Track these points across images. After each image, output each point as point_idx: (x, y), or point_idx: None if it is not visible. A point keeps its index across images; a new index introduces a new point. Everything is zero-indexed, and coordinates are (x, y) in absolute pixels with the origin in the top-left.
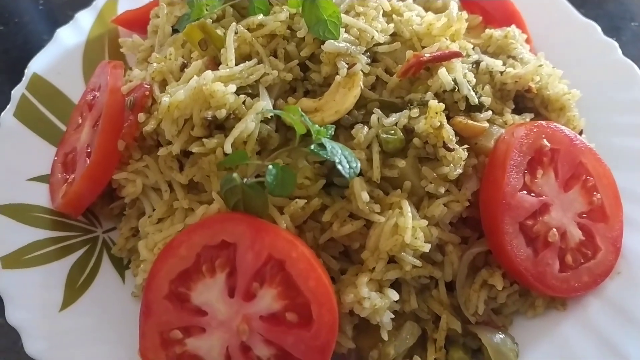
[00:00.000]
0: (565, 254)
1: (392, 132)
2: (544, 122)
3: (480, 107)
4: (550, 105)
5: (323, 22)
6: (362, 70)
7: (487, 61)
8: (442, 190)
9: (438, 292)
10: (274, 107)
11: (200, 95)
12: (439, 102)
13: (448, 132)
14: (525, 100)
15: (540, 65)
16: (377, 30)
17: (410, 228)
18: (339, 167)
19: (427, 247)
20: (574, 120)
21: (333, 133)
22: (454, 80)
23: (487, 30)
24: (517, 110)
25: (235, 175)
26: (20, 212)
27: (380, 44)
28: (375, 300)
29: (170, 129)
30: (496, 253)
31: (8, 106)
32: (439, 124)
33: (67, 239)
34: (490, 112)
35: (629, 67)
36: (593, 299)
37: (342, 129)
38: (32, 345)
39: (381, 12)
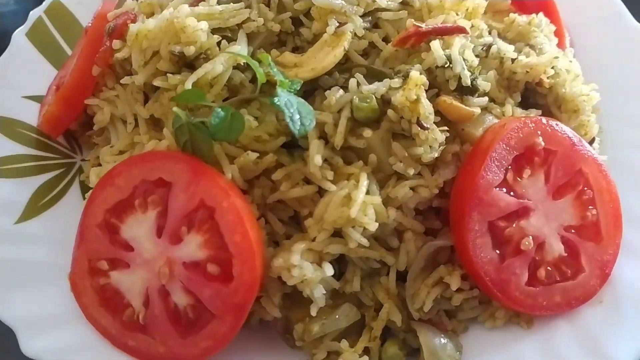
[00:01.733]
0: (538, 267)
1: (368, 99)
2: (544, 119)
3: (473, 90)
4: (563, 105)
5: None
6: (355, 33)
7: (500, 45)
8: (412, 171)
9: (387, 279)
10: (252, 55)
11: (171, 28)
12: (430, 78)
13: (425, 108)
14: (537, 96)
15: (557, 58)
16: None
17: (359, 202)
18: (288, 120)
19: (373, 226)
20: (587, 125)
21: (298, 88)
22: (448, 56)
23: (511, 15)
24: (527, 105)
25: (181, 112)
26: (6, 126)
27: (383, 9)
28: (306, 271)
29: (137, 59)
30: (458, 250)
31: (23, 26)
32: (416, 97)
33: (45, 159)
34: (485, 99)
35: None
36: (564, 323)
37: (321, 90)
38: None
39: None
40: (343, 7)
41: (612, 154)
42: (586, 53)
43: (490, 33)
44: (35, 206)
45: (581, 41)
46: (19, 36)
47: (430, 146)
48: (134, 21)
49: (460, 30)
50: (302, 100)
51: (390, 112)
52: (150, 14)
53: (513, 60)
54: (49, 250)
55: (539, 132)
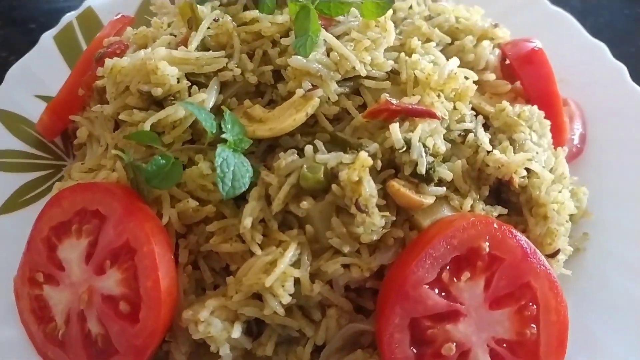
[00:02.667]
0: None
1: (316, 170)
2: (497, 223)
3: (428, 179)
4: (535, 208)
5: (306, 36)
6: (328, 99)
7: (479, 134)
8: (347, 249)
9: (303, 350)
10: (222, 104)
11: (143, 68)
12: (390, 158)
13: (366, 191)
14: (510, 192)
15: (530, 160)
16: (364, 62)
17: (277, 273)
18: (218, 181)
19: (286, 299)
20: (554, 235)
21: (245, 147)
22: (407, 141)
23: (503, 103)
24: (499, 200)
25: (124, 152)
26: (11, 120)
27: (366, 77)
28: (212, 328)
29: (110, 90)
30: (377, 339)
31: (53, 28)
32: (358, 179)
33: (39, 158)
34: (443, 189)
35: None
36: None
37: (282, 150)
38: None
39: (384, 45)
40: (319, 71)
41: None
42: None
43: (477, 117)
44: (16, 202)
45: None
46: (47, 37)
47: (365, 228)
48: (123, 51)
49: (430, 115)
50: (245, 160)
51: (334, 186)
52: (144, 46)
53: (488, 152)
54: (12, 248)
55: (487, 236)
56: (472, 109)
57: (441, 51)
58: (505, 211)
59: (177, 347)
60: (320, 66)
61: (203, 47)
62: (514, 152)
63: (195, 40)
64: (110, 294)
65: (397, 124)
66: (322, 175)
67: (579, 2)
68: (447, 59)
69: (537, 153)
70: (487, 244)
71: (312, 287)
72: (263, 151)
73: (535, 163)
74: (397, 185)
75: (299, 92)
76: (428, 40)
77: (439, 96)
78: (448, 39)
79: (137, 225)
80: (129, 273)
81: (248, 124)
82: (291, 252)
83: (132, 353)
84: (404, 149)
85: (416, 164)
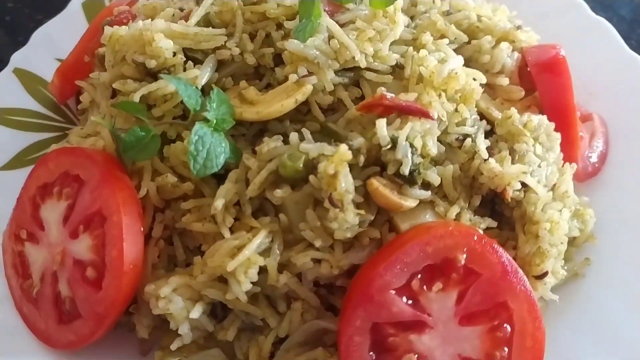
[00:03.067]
0: None
1: (296, 159)
2: (478, 235)
3: (412, 181)
4: (527, 225)
5: (308, 21)
6: (323, 87)
7: (478, 140)
8: (319, 243)
9: (265, 340)
10: (217, 82)
11: (140, 38)
12: (377, 155)
13: (341, 187)
14: (504, 205)
15: (525, 173)
16: (365, 53)
17: (241, 259)
18: (190, 158)
19: (246, 286)
20: (544, 256)
21: (227, 128)
22: (394, 139)
23: (511, 110)
24: (493, 212)
25: (106, 121)
26: (30, 80)
27: (367, 68)
28: (172, 305)
29: (108, 59)
30: (337, 339)
31: None
32: (334, 172)
33: (50, 119)
34: (428, 193)
35: None
36: None
37: (270, 135)
38: None
39: (390, 38)
40: (316, 58)
41: None
42: None
43: (482, 121)
44: (22, 159)
45: None
46: (76, 3)
47: (340, 224)
48: (130, 21)
49: (423, 114)
50: (224, 141)
51: (312, 178)
52: (151, 17)
53: (485, 160)
54: (12, 204)
55: (464, 248)
56: (480, 113)
57: (457, 50)
58: (494, 224)
59: (140, 319)
60: (318, 53)
61: (206, 23)
62: (513, 163)
63: (196, 15)
64: (80, 259)
65: (384, 120)
66: (301, 165)
67: (629, 11)
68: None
69: (538, 167)
70: (464, 256)
71: (279, 277)
72: (253, 134)
73: (531, 177)
74: (376, 184)
75: (292, 77)
76: (443, 36)
77: (440, 96)
78: (465, 37)
79: (110, 193)
80: (99, 240)
81: (239, 105)
82: (259, 239)
83: (92, 319)
84: (389, 146)
85: (401, 164)
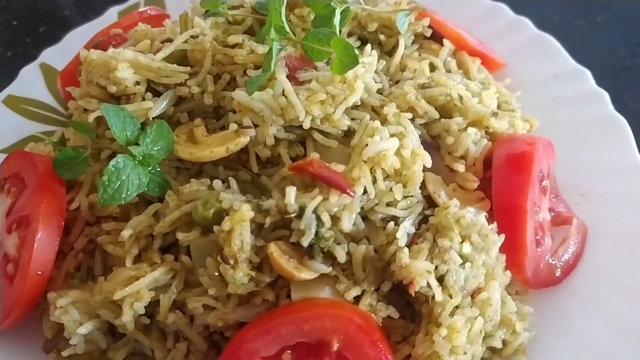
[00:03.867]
0: None
1: (209, 206)
2: (361, 325)
3: (311, 254)
4: (430, 325)
5: (265, 74)
6: (265, 143)
7: (402, 226)
8: (212, 291)
9: None
10: (172, 116)
11: (107, 64)
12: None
13: (234, 244)
14: (414, 298)
15: (429, 272)
16: (312, 115)
17: (129, 290)
18: (99, 186)
19: (127, 317)
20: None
21: (153, 163)
22: (302, 207)
23: (451, 201)
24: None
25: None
26: (51, 76)
27: (318, 130)
28: (67, 317)
29: (81, 76)
30: None
31: (124, 4)
32: (229, 229)
33: (58, 113)
34: (329, 269)
35: None
36: None
37: (206, 176)
38: None
39: (346, 103)
40: (262, 111)
41: None
42: None
43: (429, 203)
44: (22, 147)
45: None
46: (113, 11)
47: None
48: (119, 43)
49: (342, 189)
50: (144, 175)
51: (216, 228)
52: (140, 41)
53: (401, 247)
54: None
55: (341, 335)
56: (428, 196)
57: (427, 125)
58: (396, 315)
59: (45, 320)
60: (264, 107)
61: (179, 58)
62: (432, 257)
63: (163, 51)
64: (7, 253)
65: (294, 188)
66: (210, 214)
67: None
68: (430, 136)
69: (460, 267)
70: (338, 344)
71: (168, 315)
72: (195, 171)
73: (433, 279)
74: (272, 249)
75: (232, 126)
76: (411, 109)
77: (372, 171)
78: (435, 115)
79: (36, 202)
80: (21, 241)
81: (181, 142)
82: (155, 275)
83: (3, 309)
84: (295, 214)
85: (303, 234)
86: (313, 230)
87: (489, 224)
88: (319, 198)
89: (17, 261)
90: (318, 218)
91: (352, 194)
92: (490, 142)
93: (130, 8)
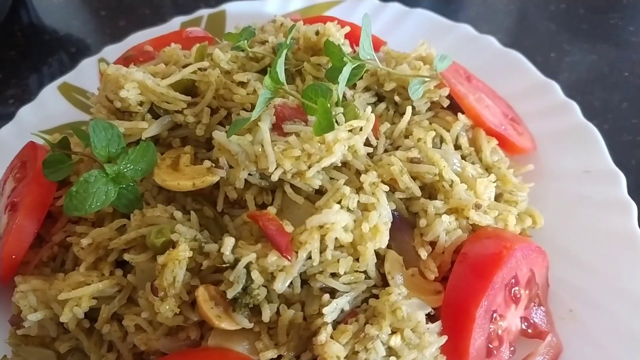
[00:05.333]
0: None
1: (160, 235)
2: None
3: (235, 307)
4: None
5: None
6: (235, 185)
7: (334, 302)
8: (145, 314)
9: None
10: (164, 140)
11: (117, 81)
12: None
13: (165, 279)
14: None
15: (338, 357)
16: (283, 168)
17: (72, 295)
18: (67, 195)
19: (64, 318)
20: None
21: (124, 184)
22: (237, 259)
23: (392, 289)
24: None
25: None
26: None
27: (290, 183)
28: (23, 301)
29: (101, 85)
30: None
31: (188, 16)
32: (163, 264)
33: None
34: (250, 325)
35: None
36: None
37: (176, 204)
38: None
39: (321, 163)
40: (237, 155)
41: None
42: None
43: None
44: (62, 131)
45: None
46: (177, 21)
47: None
48: (146, 60)
49: (279, 249)
50: (115, 191)
51: (158, 258)
52: (167, 62)
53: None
54: None
55: None
56: (384, 274)
57: (407, 201)
58: None
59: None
60: (240, 151)
61: (185, 85)
62: (355, 343)
63: (169, 79)
64: None
65: (232, 240)
66: (159, 243)
67: None
68: (410, 212)
69: (384, 358)
70: None
71: (104, 326)
72: (171, 197)
73: None
74: (200, 292)
75: (206, 163)
76: (393, 181)
77: (324, 238)
78: (417, 192)
79: (26, 193)
80: (7, 225)
81: (163, 167)
82: (99, 286)
83: None
84: (229, 265)
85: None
86: (241, 285)
87: (433, 322)
88: (253, 255)
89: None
90: (249, 274)
91: (289, 258)
92: (466, 235)
93: (193, 21)
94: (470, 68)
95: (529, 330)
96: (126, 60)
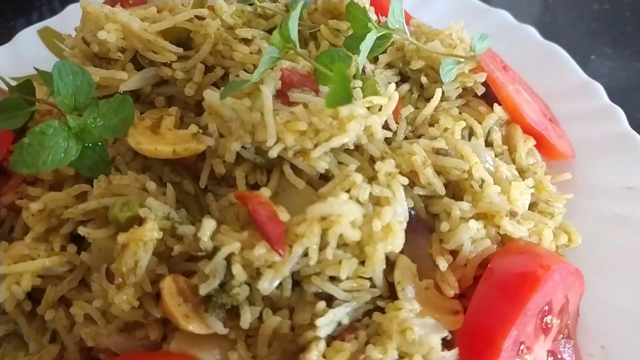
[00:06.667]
0: None
1: (126, 209)
2: None
3: (208, 306)
4: None
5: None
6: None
7: (330, 313)
8: (98, 304)
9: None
10: (147, 96)
11: (99, 21)
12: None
13: (123, 263)
14: None
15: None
16: (284, 143)
17: (12, 270)
18: (17, 147)
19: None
20: None
21: (89, 142)
22: (216, 248)
23: (404, 307)
24: None
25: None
26: None
27: (290, 163)
28: None
29: (79, 25)
30: None
31: None
32: (123, 243)
33: None
34: (224, 330)
35: None
36: None
37: (151, 172)
38: None
39: (330, 142)
40: (230, 122)
41: None
42: None
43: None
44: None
45: None
46: None
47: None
48: (138, 3)
49: (270, 242)
50: (76, 149)
51: (118, 236)
52: (160, 9)
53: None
54: None
55: None
56: (392, 284)
57: (427, 198)
58: None
59: None
60: (234, 117)
61: (177, 36)
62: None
63: (159, 24)
64: None
65: (213, 222)
66: (124, 218)
67: None
68: (429, 212)
69: None
70: None
71: (47, 311)
72: (147, 164)
73: None
74: (166, 284)
75: (192, 127)
76: (413, 174)
77: (324, 236)
78: (441, 190)
79: None
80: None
81: (140, 128)
82: (46, 262)
83: None
84: (206, 254)
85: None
86: (218, 280)
87: (449, 349)
88: (236, 245)
89: None
90: (229, 267)
91: (280, 252)
92: (495, 246)
93: None
94: (505, 59)
95: None
96: (114, 2)
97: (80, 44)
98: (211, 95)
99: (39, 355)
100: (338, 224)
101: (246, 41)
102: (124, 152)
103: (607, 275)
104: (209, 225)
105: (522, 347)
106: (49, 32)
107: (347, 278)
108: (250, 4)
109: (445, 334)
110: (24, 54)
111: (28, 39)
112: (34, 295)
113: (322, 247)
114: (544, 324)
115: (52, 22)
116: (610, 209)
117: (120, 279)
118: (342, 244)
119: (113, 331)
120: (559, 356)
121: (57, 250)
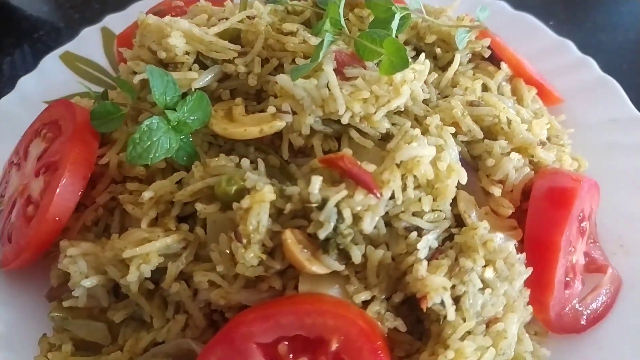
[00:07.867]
0: None
1: (232, 183)
2: (363, 328)
3: (326, 248)
4: (437, 345)
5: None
6: (300, 132)
7: (425, 239)
8: (220, 268)
9: (143, 335)
10: (214, 91)
11: (161, 31)
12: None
13: (249, 224)
14: (425, 314)
15: (445, 289)
16: (352, 111)
17: (140, 252)
18: (130, 142)
19: (131, 276)
20: None
21: (186, 132)
22: (324, 199)
23: (480, 223)
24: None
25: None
26: (110, 40)
27: (356, 128)
28: (74, 267)
29: (136, 39)
30: None
31: None
32: (247, 207)
33: (109, 76)
34: (341, 267)
35: None
36: None
37: (235, 154)
38: None
39: (388, 106)
40: (302, 100)
41: None
42: None
43: (458, 222)
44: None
45: None
46: None
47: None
48: (178, 14)
49: (368, 188)
50: (175, 141)
51: (235, 205)
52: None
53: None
54: None
55: (342, 336)
56: (458, 215)
57: (469, 144)
58: (403, 328)
59: (54, 267)
60: (305, 95)
61: (230, 36)
62: (450, 276)
63: (217, 27)
64: (31, 195)
65: (320, 178)
66: (232, 190)
67: None
68: (471, 156)
69: (479, 291)
70: (337, 344)
71: (172, 285)
72: (226, 149)
73: (448, 297)
74: (288, 236)
75: (270, 109)
76: (455, 125)
77: (404, 178)
78: (480, 134)
79: (68, 150)
80: (45, 186)
81: (219, 117)
82: (167, 241)
83: (15, 248)
84: (317, 205)
85: (321, 226)
86: (332, 224)
87: (517, 254)
88: (344, 193)
89: (38, 204)
90: (339, 213)
91: (378, 195)
92: (533, 172)
93: None
94: None
95: (591, 266)
96: (156, 15)
97: (143, 53)
98: (284, 79)
99: (167, 327)
100: (422, 164)
101: (292, 33)
102: (199, 143)
103: (612, 192)
104: (317, 180)
105: (570, 247)
106: (70, 56)
107: (427, 212)
108: (278, 2)
109: (514, 242)
110: (49, 79)
111: (50, 64)
112: (151, 277)
113: (402, 189)
114: (581, 228)
115: (70, 47)
116: (600, 139)
117: (246, 240)
118: (417, 186)
119: (239, 289)
120: (592, 255)
121: (173, 229)
